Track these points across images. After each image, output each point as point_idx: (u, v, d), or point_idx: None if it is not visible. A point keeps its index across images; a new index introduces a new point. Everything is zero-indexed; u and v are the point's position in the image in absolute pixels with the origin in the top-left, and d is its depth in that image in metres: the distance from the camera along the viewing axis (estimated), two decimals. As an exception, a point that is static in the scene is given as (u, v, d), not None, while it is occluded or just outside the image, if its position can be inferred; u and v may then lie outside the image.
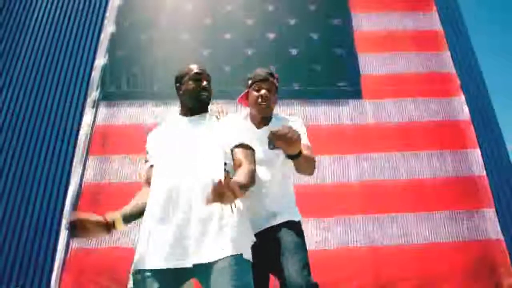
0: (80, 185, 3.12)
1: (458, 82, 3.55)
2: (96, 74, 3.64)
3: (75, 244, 2.93)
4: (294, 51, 3.69)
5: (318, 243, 2.83)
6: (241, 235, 1.29)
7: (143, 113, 3.42)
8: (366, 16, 3.88)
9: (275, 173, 1.63)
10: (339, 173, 3.13)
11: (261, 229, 1.54)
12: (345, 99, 3.42)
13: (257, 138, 1.58)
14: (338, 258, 2.79)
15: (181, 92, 1.59)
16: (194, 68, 1.58)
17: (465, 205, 3.03)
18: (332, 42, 3.71)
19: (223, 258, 1.21)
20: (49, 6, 4.27)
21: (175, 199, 1.32)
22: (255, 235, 1.45)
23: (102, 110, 3.44)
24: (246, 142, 1.47)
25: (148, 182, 1.53)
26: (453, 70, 3.61)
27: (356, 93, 3.47)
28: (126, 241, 2.91)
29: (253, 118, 1.75)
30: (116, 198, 3.15)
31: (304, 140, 1.63)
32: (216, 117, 1.57)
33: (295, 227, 1.57)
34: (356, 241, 2.91)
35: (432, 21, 3.87)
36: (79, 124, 3.46)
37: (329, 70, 3.57)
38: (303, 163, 1.56)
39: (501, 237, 2.92)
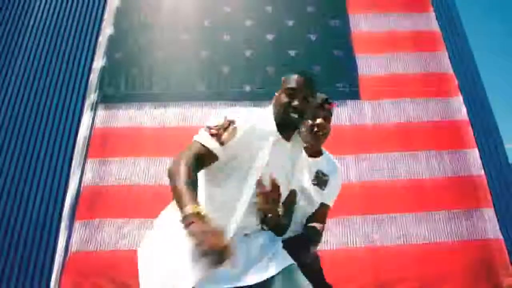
0: (79, 187, 3.11)
1: (456, 82, 3.56)
2: (94, 76, 3.64)
3: (74, 246, 2.93)
4: (292, 52, 3.69)
5: (318, 244, 2.83)
6: None
7: (142, 115, 3.42)
8: (364, 17, 3.89)
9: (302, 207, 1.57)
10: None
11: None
12: (343, 100, 3.43)
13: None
14: (338, 259, 2.79)
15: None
16: (293, 81, 1.35)
17: (464, 205, 3.03)
18: (330, 43, 3.72)
19: None
20: (46, 8, 4.27)
21: None
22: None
23: (101, 113, 3.44)
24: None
25: (193, 162, 1.12)
26: (450, 70, 3.62)
27: (354, 94, 3.48)
28: (125, 243, 2.90)
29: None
30: (115, 201, 3.17)
31: (331, 200, 1.58)
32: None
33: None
34: (355, 242, 2.91)
35: (429, 22, 3.89)
36: (78, 126, 3.45)
37: (327, 71, 3.58)
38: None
39: (500, 236, 2.92)
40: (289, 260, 1.19)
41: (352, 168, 3.16)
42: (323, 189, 1.53)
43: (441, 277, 2.79)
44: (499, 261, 2.84)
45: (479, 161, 3.20)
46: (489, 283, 2.78)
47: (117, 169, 3.18)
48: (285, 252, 1.23)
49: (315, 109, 1.49)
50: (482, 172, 3.16)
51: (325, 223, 1.53)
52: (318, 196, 1.53)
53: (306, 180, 1.51)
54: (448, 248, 2.89)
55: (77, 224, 2.99)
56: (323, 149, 1.62)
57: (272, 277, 1.14)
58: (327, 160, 1.59)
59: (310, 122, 1.49)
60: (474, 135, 3.32)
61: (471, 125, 3.37)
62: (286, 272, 1.15)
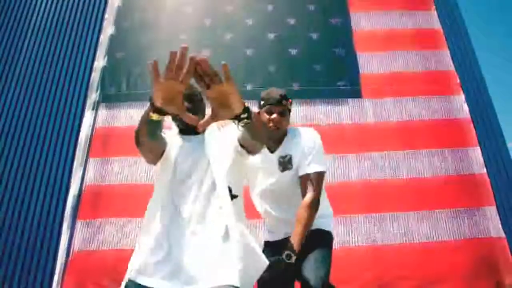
0: (81, 187, 3.12)
1: (458, 80, 3.55)
2: (95, 76, 3.65)
3: (76, 246, 2.93)
4: (293, 51, 3.69)
5: (320, 243, 2.83)
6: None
7: (143, 114, 3.42)
8: (365, 15, 3.88)
9: (291, 191, 1.65)
10: (340, 173, 3.13)
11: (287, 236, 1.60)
12: (344, 98, 3.43)
13: (269, 161, 1.67)
14: (339, 258, 2.77)
15: None
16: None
17: (466, 203, 3.03)
18: (331, 41, 3.72)
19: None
20: (47, 8, 4.27)
21: None
22: (283, 240, 1.62)
23: (102, 112, 3.44)
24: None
25: None
26: (452, 69, 3.61)
27: (355, 92, 3.47)
28: (127, 242, 2.91)
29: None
30: (117, 200, 3.17)
31: (317, 166, 1.61)
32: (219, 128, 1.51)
33: (325, 237, 1.65)
34: (357, 241, 2.91)
35: (431, 20, 3.88)
36: (79, 126, 3.46)
37: (329, 69, 3.57)
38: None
39: (502, 235, 2.92)
40: (226, 280, 1.12)
41: (353, 167, 3.15)
42: (290, 167, 1.64)
43: (443, 275, 2.78)
44: (502, 259, 2.83)
45: (481, 159, 3.19)
46: (491, 281, 2.77)
47: (118, 168, 3.18)
48: (228, 269, 1.15)
49: (271, 106, 1.66)
50: (484, 170, 3.15)
51: (316, 190, 1.58)
52: (295, 175, 1.64)
53: (275, 175, 1.67)
54: (451, 246, 2.89)
55: (79, 224, 3.00)
56: (289, 130, 1.74)
57: None
58: (289, 141, 1.70)
59: (266, 117, 1.66)
60: (476, 133, 3.31)
61: (473, 123, 3.36)
62: None
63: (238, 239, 1.21)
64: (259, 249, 1.28)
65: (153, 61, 1.00)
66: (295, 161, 1.63)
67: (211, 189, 1.30)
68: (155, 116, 1.09)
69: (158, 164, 1.40)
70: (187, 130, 1.45)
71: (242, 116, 1.06)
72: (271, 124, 1.64)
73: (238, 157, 1.38)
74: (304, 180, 1.60)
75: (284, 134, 1.71)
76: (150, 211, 1.36)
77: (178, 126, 1.48)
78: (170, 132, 1.51)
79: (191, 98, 1.45)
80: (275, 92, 1.69)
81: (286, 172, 1.64)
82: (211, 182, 1.30)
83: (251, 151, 1.35)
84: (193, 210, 1.27)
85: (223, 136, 1.45)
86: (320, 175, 1.62)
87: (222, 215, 1.25)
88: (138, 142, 1.32)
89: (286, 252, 1.41)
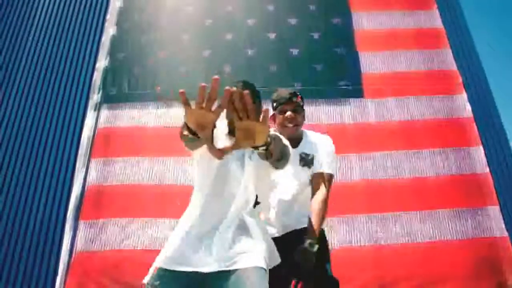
0: (83, 187, 3.13)
1: (460, 79, 3.54)
2: (97, 77, 3.66)
3: (79, 246, 2.94)
4: (294, 51, 3.69)
5: (322, 243, 2.82)
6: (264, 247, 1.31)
7: (145, 115, 3.43)
8: (367, 15, 3.87)
9: (303, 188, 1.74)
10: (342, 172, 3.12)
11: (293, 229, 1.69)
12: (346, 98, 3.42)
13: (293, 156, 1.65)
14: (342, 257, 2.78)
15: None
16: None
17: (469, 203, 3.02)
18: (332, 41, 3.71)
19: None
20: (49, 9, 4.29)
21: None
22: (286, 235, 1.67)
23: (104, 113, 3.45)
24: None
25: None
26: (454, 68, 3.60)
27: (357, 92, 3.47)
28: (129, 243, 2.91)
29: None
30: (119, 200, 3.18)
31: (332, 170, 1.70)
32: None
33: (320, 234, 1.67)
34: (360, 240, 2.90)
35: (433, 19, 3.86)
36: (81, 126, 3.47)
37: (330, 69, 3.57)
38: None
39: (505, 234, 2.90)
40: (255, 262, 1.23)
41: (355, 167, 3.15)
42: (311, 166, 1.72)
43: (446, 275, 2.78)
44: (505, 259, 2.82)
45: (484, 158, 3.18)
46: (494, 281, 2.76)
47: (120, 168, 3.18)
48: (257, 254, 1.26)
49: (282, 105, 1.72)
50: (487, 169, 3.14)
51: (328, 189, 1.67)
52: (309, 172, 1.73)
53: (291, 171, 1.71)
54: (453, 246, 2.88)
55: (81, 224, 3.00)
56: (305, 131, 1.82)
57: (231, 272, 1.22)
58: (309, 141, 1.78)
59: (280, 117, 1.72)
60: (478, 132, 3.30)
61: (476, 122, 3.34)
62: (246, 271, 1.21)
63: (262, 235, 1.33)
64: (275, 247, 1.40)
65: (182, 93, 1.01)
66: (316, 161, 1.71)
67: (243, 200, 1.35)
68: (188, 134, 1.10)
69: (197, 154, 1.38)
70: None
71: (261, 148, 1.10)
72: (287, 123, 1.70)
73: (264, 168, 1.35)
74: (317, 177, 1.68)
75: (301, 133, 1.78)
76: (190, 206, 1.40)
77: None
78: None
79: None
80: (284, 91, 1.75)
81: (305, 168, 1.71)
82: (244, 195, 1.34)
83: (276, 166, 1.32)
84: (224, 214, 1.33)
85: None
86: (332, 178, 1.73)
87: (249, 218, 1.33)
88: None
89: (309, 241, 1.50)
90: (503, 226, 2.93)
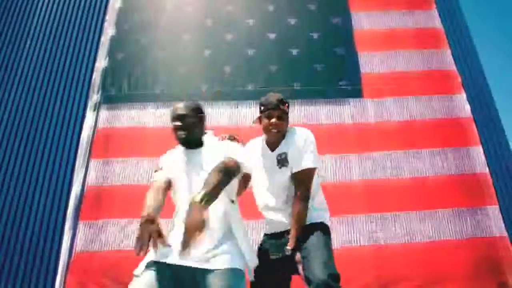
0: (83, 188, 3.12)
1: (459, 79, 3.54)
2: (97, 77, 3.66)
3: (78, 247, 2.94)
4: (294, 51, 3.69)
5: (321, 243, 2.82)
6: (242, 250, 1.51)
7: (145, 115, 3.43)
8: (366, 14, 3.88)
9: (285, 189, 1.78)
10: (341, 172, 3.13)
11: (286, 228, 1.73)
12: (346, 98, 3.42)
13: (269, 159, 1.82)
14: (341, 258, 2.76)
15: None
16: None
17: (469, 202, 3.02)
18: (332, 41, 3.72)
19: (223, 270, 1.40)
20: (48, 9, 4.28)
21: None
22: (281, 233, 1.74)
23: (104, 113, 3.45)
24: (239, 159, 1.55)
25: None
26: (454, 68, 3.60)
27: (357, 92, 3.47)
28: (129, 243, 2.91)
29: (267, 141, 1.87)
30: (119, 201, 3.17)
31: (307, 162, 1.74)
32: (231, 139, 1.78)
33: (318, 227, 1.72)
34: (359, 240, 2.90)
35: (432, 19, 3.87)
36: (81, 127, 3.47)
37: (330, 69, 3.57)
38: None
39: (505, 234, 2.91)
40: (232, 264, 1.42)
41: (355, 167, 3.15)
42: (287, 165, 1.77)
43: (446, 275, 2.78)
44: (505, 258, 2.83)
45: (483, 158, 3.18)
46: (494, 281, 2.77)
47: (120, 169, 3.18)
48: (236, 255, 1.47)
49: (269, 110, 1.78)
50: (487, 169, 3.14)
51: (305, 185, 1.72)
52: (289, 171, 1.77)
53: (270, 171, 1.81)
54: (453, 246, 2.88)
55: (81, 225, 3.00)
56: (289, 130, 1.86)
57: (210, 270, 1.39)
58: (286, 140, 1.83)
59: (266, 121, 1.79)
60: (478, 132, 3.30)
61: (475, 122, 3.35)
62: (224, 272, 1.39)
63: (241, 236, 1.54)
64: (253, 248, 1.61)
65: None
66: (290, 158, 1.76)
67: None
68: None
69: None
70: (188, 144, 1.68)
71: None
72: (271, 128, 1.79)
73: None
74: (296, 177, 1.74)
75: (283, 134, 1.85)
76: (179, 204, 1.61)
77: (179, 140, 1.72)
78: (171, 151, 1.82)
79: (181, 117, 1.66)
80: (273, 97, 1.82)
81: (284, 169, 1.77)
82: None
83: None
84: None
85: (222, 147, 1.65)
86: (310, 171, 1.75)
87: (226, 217, 1.53)
88: None
89: (285, 248, 1.62)
90: (503, 225, 2.93)
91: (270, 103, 1.79)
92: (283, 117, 1.79)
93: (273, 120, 1.77)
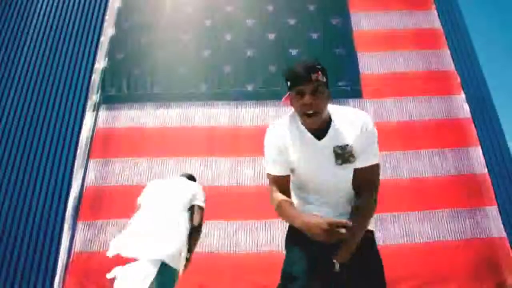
0: (82, 188, 3.12)
1: (458, 80, 3.54)
2: (96, 77, 3.65)
3: (77, 247, 2.93)
4: (294, 51, 3.69)
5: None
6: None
7: (144, 115, 3.43)
8: (365, 15, 3.88)
9: (346, 186, 1.38)
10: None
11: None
12: (345, 98, 3.42)
13: (317, 151, 1.34)
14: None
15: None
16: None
17: (468, 203, 3.02)
18: (331, 42, 3.72)
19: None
20: (48, 9, 4.28)
21: None
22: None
23: (103, 113, 3.45)
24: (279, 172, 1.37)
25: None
26: (453, 68, 3.61)
27: (356, 93, 3.47)
28: (128, 243, 2.90)
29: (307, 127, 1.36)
30: (118, 201, 3.17)
31: (374, 157, 1.35)
32: None
33: (370, 238, 1.45)
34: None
35: (431, 20, 3.87)
36: (80, 127, 3.46)
37: (329, 70, 3.49)
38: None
39: (504, 234, 2.91)
40: (163, 257, 1.83)
41: (354, 167, 3.14)
42: (353, 160, 1.33)
43: (444, 275, 2.78)
44: (503, 259, 2.83)
45: (482, 159, 3.18)
46: (493, 281, 2.76)
47: (119, 169, 3.18)
48: (170, 250, 1.87)
49: (299, 85, 1.28)
50: (486, 170, 3.14)
51: (376, 187, 1.37)
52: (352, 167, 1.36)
53: (328, 168, 1.36)
54: (452, 246, 2.88)
55: (80, 225, 3.00)
56: (330, 110, 1.37)
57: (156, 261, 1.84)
58: (339, 125, 1.36)
59: (297, 101, 1.30)
60: (477, 133, 3.30)
61: (474, 123, 3.35)
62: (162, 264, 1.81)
63: (183, 236, 1.95)
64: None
65: None
66: (357, 152, 1.32)
67: None
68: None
69: None
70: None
71: None
72: (306, 110, 1.28)
73: None
74: (361, 174, 1.34)
75: (328, 115, 1.36)
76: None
77: None
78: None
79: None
80: (300, 66, 1.31)
81: (347, 165, 1.33)
82: None
83: None
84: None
85: None
86: (378, 168, 1.37)
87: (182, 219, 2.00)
88: None
89: (334, 262, 1.26)
90: (502, 226, 2.93)
91: (297, 76, 1.29)
92: (320, 90, 1.28)
93: (306, 98, 1.27)
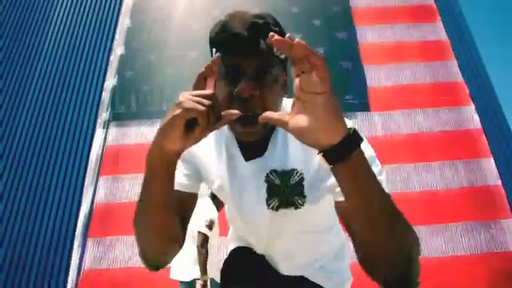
0: (92, 205, 3.14)
1: (467, 90, 3.52)
2: (106, 95, 3.72)
3: (87, 264, 2.93)
4: (300, 66, 3.71)
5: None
6: None
7: (153, 132, 3.40)
8: (371, 28, 3.90)
9: (309, 236, 0.91)
10: (350, 187, 3.09)
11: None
12: (353, 112, 3.41)
13: (245, 181, 0.80)
14: (352, 274, 2.72)
15: None
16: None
17: (482, 216, 2.95)
18: (338, 55, 3.74)
19: None
20: (59, 29, 4.40)
21: None
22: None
23: (112, 130, 3.49)
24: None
25: None
26: (461, 79, 3.59)
27: (363, 106, 3.46)
28: (137, 260, 2.89)
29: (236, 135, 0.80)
30: (127, 218, 3.17)
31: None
32: None
33: None
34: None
35: (437, 31, 3.88)
36: (90, 144, 3.51)
37: (336, 83, 3.51)
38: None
39: (520, 248, 2.83)
40: None
41: (364, 180, 3.11)
42: (299, 204, 0.79)
43: (460, 291, 2.70)
44: (521, 273, 2.74)
45: (495, 170, 3.12)
46: (511, 297, 2.67)
47: (129, 185, 3.20)
48: None
49: (234, 55, 0.71)
50: (499, 181, 3.08)
51: None
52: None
53: (254, 205, 0.84)
54: (467, 261, 2.80)
55: (90, 242, 3.00)
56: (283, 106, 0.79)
57: None
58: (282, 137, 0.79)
59: (226, 89, 0.72)
60: (488, 143, 3.25)
61: (485, 133, 3.30)
62: None
63: None
64: None
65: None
66: (306, 182, 0.77)
67: None
68: None
69: None
70: None
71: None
72: (238, 109, 0.66)
73: None
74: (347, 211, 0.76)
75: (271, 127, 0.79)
76: None
77: None
78: None
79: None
80: (239, 20, 0.73)
81: (287, 211, 0.80)
82: None
83: None
84: None
85: None
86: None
87: None
88: None
89: None
90: (518, 239, 2.85)
91: (231, 36, 0.71)
92: (271, 72, 0.74)
93: (242, 85, 0.69)
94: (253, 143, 0.74)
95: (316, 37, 3.88)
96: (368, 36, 3.86)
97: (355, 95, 3.51)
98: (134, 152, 3.37)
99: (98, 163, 3.33)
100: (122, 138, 3.46)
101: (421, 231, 2.91)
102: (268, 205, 0.78)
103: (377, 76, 3.62)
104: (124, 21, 4.15)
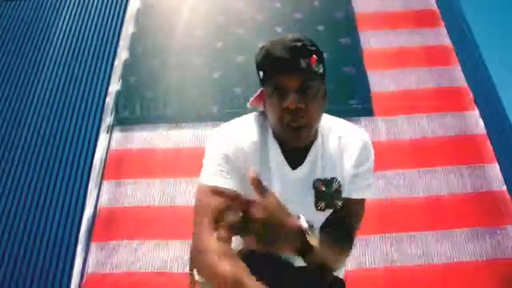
0: (95, 210, 3.15)
1: (471, 95, 3.51)
2: (110, 100, 3.75)
3: (90, 268, 2.93)
4: (303, 71, 3.72)
5: (335, 265, 2.75)
6: None
7: (157, 136, 3.47)
8: (374, 34, 3.92)
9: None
10: (354, 192, 3.08)
11: None
12: (357, 117, 3.41)
13: (292, 187, 0.91)
14: (356, 279, 2.70)
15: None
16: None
17: (487, 221, 2.92)
18: (341, 61, 3.75)
19: None
20: (64, 35, 4.45)
21: None
22: None
23: (116, 135, 3.51)
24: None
25: None
26: (465, 84, 3.58)
27: (367, 111, 3.46)
28: (141, 265, 2.89)
29: (280, 138, 0.92)
30: (131, 222, 3.18)
31: (357, 190, 1.01)
32: None
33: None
34: (374, 262, 2.82)
35: (441, 37, 3.89)
36: (94, 149, 3.53)
37: (339, 89, 3.58)
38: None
39: (527, 255, 2.80)
40: None
41: (368, 186, 3.10)
42: (337, 204, 0.98)
43: (466, 298, 2.67)
44: (528, 281, 2.71)
45: (500, 175, 3.10)
46: (518, 305, 2.64)
47: (132, 190, 3.20)
48: None
49: (280, 75, 0.79)
50: (504, 187, 3.06)
51: (349, 227, 1.07)
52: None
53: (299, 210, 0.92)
54: (473, 267, 2.77)
55: (93, 246, 3.00)
56: (327, 126, 0.93)
57: None
58: (326, 150, 0.93)
59: (278, 104, 0.82)
60: (493, 149, 3.24)
61: (490, 139, 3.29)
62: None
63: None
64: None
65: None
66: (344, 187, 0.94)
67: None
68: None
69: None
70: None
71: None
72: (289, 121, 0.83)
73: None
74: (345, 208, 1.02)
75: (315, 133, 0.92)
76: None
77: None
78: None
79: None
80: (282, 45, 0.84)
81: (329, 211, 0.95)
82: None
83: None
84: None
85: None
86: (363, 206, 1.07)
87: None
88: None
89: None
90: (524, 246, 2.82)
91: (277, 59, 0.84)
92: (313, 86, 0.84)
93: (291, 98, 0.81)
94: (297, 150, 0.93)
95: (320, 43, 3.84)
96: (372, 41, 3.87)
97: (359, 100, 3.52)
98: (138, 157, 3.38)
99: (102, 168, 3.34)
100: (126, 142, 3.47)
101: (426, 237, 2.89)
102: (317, 207, 0.96)
103: (381, 81, 3.62)
104: (128, 27, 4.19)
